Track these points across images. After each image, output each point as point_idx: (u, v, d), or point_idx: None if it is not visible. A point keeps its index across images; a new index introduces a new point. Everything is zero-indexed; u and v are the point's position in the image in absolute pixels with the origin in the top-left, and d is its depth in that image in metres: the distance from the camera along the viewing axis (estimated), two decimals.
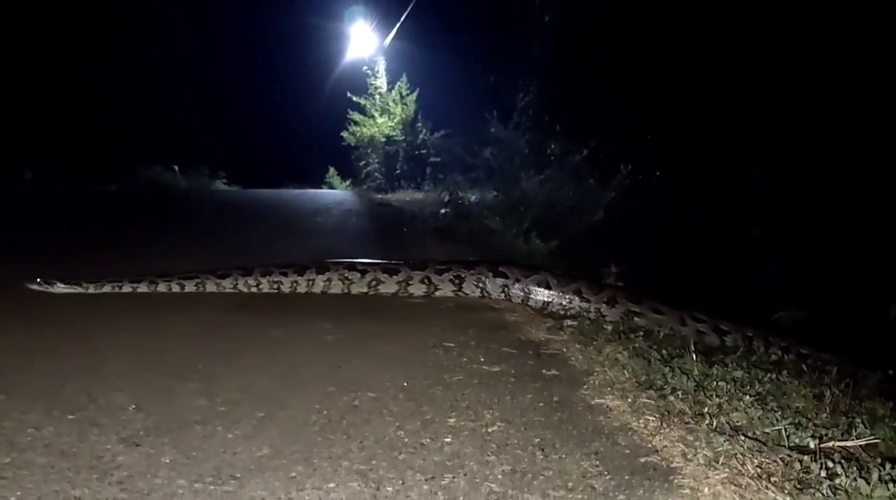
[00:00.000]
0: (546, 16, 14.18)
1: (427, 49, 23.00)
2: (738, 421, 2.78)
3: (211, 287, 5.36)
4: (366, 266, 5.54)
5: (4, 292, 5.03)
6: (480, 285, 5.41)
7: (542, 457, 2.46)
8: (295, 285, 5.44)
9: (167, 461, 2.34)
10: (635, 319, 5.08)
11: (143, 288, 5.26)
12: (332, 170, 29.15)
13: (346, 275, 5.46)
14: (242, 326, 4.40)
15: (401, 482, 2.24)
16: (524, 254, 7.40)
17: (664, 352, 3.84)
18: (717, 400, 3.03)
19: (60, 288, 5.13)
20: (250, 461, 2.35)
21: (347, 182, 27.88)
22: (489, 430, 2.70)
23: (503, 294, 5.37)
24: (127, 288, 5.24)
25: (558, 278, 5.38)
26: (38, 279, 5.11)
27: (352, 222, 12.80)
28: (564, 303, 5.22)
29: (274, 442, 2.52)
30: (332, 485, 2.20)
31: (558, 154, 11.05)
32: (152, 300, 5.13)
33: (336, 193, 24.63)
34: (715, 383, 3.33)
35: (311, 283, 5.46)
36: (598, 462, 2.43)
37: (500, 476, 2.30)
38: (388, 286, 5.45)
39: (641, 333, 4.26)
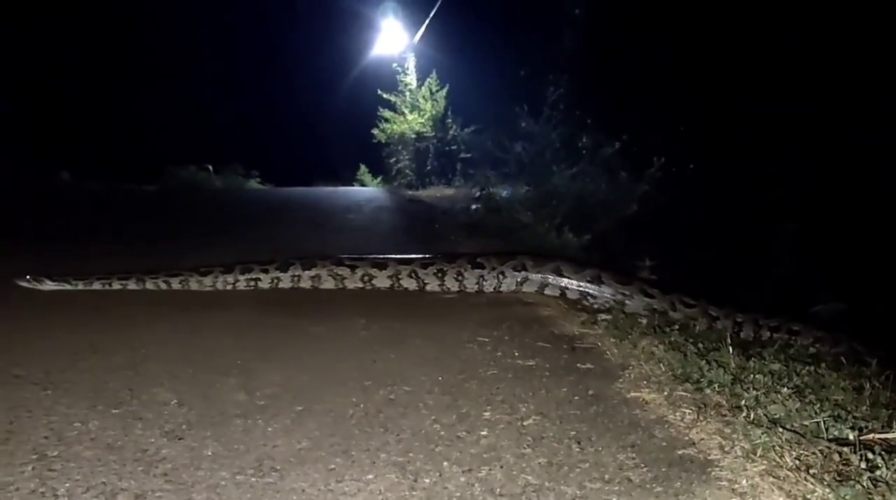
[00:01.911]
0: (577, 8, 14.11)
1: (456, 45, 22.99)
2: (775, 414, 2.76)
3: (194, 285, 5.39)
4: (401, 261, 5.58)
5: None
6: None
7: (578, 450, 2.47)
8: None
9: (209, 453, 2.39)
10: (625, 302, 5.17)
11: (132, 285, 5.28)
12: (362, 167, 29.27)
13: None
14: (278, 323, 4.45)
15: (438, 474, 2.26)
16: (556, 248, 7.37)
17: (700, 345, 3.81)
18: (755, 393, 3.00)
19: (49, 285, 5.15)
20: (290, 454, 2.40)
21: (378, 179, 27.96)
22: (525, 423, 2.72)
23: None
24: (116, 285, 5.27)
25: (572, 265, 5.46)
26: (28, 276, 5.13)
27: (384, 219, 12.84)
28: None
29: (313, 435, 2.57)
30: (370, 477, 2.24)
31: (589, 147, 10.98)
32: (189, 298, 5.22)
33: (367, 191, 24.73)
34: (752, 375, 3.29)
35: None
36: (634, 455, 2.44)
37: (536, 469, 2.31)
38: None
39: (677, 326, 4.23)
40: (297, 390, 3.07)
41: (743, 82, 12.50)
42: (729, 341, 3.75)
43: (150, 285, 5.31)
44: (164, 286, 5.34)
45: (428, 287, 5.45)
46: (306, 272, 5.51)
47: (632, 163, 10.14)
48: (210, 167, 24.63)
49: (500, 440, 2.54)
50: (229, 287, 5.42)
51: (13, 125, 17.33)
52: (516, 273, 5.43)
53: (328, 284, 5.51)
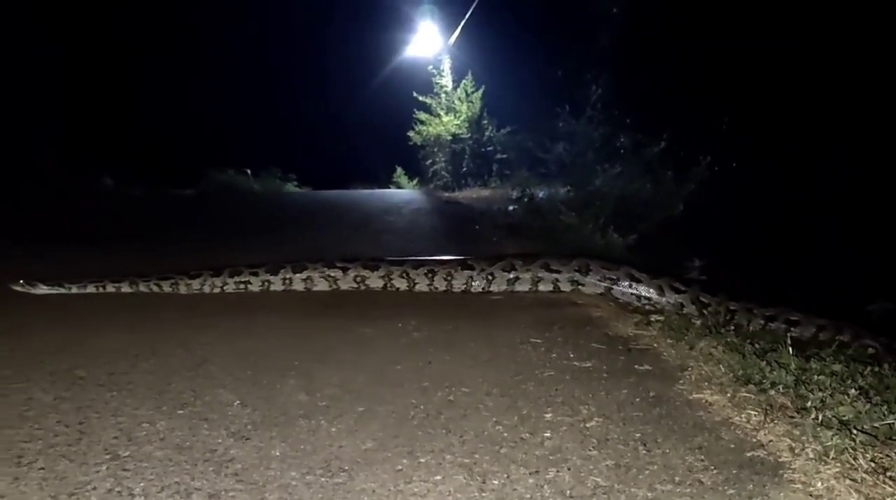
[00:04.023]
0: (614, 7, 13.98)
1: (492, 46, 22.96)
2: (844, 415, 2.70)
3: (182, 288, 5.43)
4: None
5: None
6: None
7: (644, 452, 2.45)
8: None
9: (277, 453, 2.42)
10: (612, 287, 5.28)
11: (125, 288, 5.36)
12: (399, 170, 29.42)
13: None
14: (327, 325, 4.48)
15: (506, 475, 2.26)
16: (600, 249, 7.32)
17: (757, 346, 3.75)
18: (820, 395, 2.94)
19: (42, 289, 5.22)
20: (356, 455, 2.41)
21: (414, 181, 28.08)
22: (588, 425, 2.70)
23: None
24: (110, 288, 5.34)
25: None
26: (21, 281, 5.21)
27: (423, 221, 12.88)
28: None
29: (377, 436, 2.58)
30: (438, 478, 2.24)
31: (628, 147, 10.88)
32: (232, 302, 5.29)
33: (404, 193, 24.84)
34: (815, 377, 3.23)
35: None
36: (702, 457, 2.41)
37: (604, 471, 2.30)
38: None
39: (732, 327, 4.17)
40: (357, 392, 3.09)
41: (785, 73, 12.27)
42: (788, 342, 3.68)
43: (142, 288, 5.38)
44: (155, 289, 5.39)
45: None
46: (297, 275, 5.55)
47: (674, 162, 10.02)
48: (248, 171, 24.96)
49: (565, 442, 2.53)
50: (217, 290, 5.47)
51: (59, 132, 17.74)
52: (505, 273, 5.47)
53: (322, 285, 5.56)
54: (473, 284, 5.43)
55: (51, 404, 2.90)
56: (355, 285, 5.54)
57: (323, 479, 2.22)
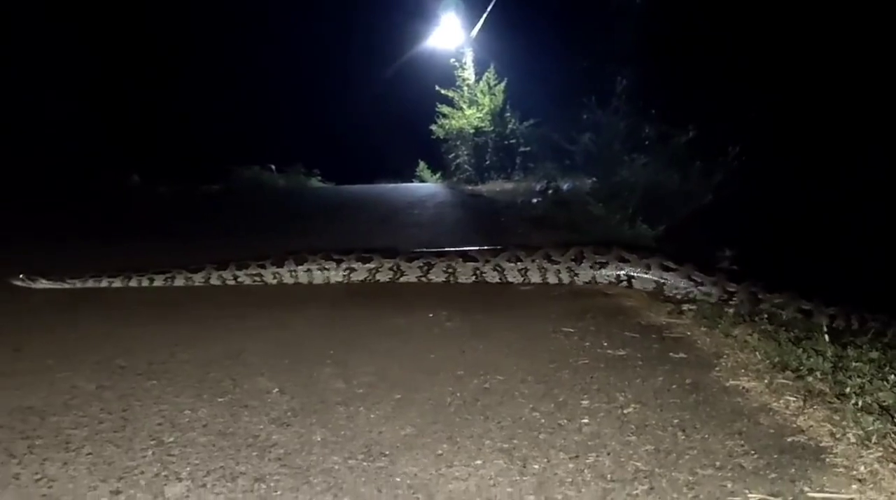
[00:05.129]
0: None
1: (514, 38, 22.86)
2: (884, 401, 2.68)
3: (180, 281, 5.43)
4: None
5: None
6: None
7: (683, 437, 2.45)
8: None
9: (318, 439, 2.45)
10: (601, 271, 5.30)
11: (117, 283, 5.35)
12: (421, 164, 29.50)
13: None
14: (359, 315, 4.52)
15: (546, 460, 2.27)
16: (629, 240, 7.28)
17: (792, 334, 3.73)
18: (859, 381, 2.92)
19: (43, 284, 5.21)
20: (396, 440, 2.44)
21: (437, 175, 28.15)
22: (625, 411, 2.70)
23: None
24: (104, 283, 5.33)
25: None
26: (21, 275, 5.20)
27: (447, 214, 12.91)
28: None
29: (415, 422, 2.60)
30: (478, 462, 2.26)
31: (653, 138, 10.81)
32: (266, 295, 5.36)
33: (427, 187, 24.90)
34: (852, 363, 3.21)
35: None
36: (742, 442, 2.40)
37: (644, 455, 2.30)
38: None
39: (766, 315, 4.14)
40: (393, 380, 3.11)
41: (816, 63, 12.11)
42: (825, 329, 3.66)
43: (133, 283, 5.38)
44: (146, 283, 5.39)
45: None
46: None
47: (701, 152, 9.94)
48: (273, 167, 25.17)
49: (603, 428, 2.53)
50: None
51: (88, 130, 18.01)
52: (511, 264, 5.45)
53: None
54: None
55: (94, 393, 2.96)
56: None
57: (365, 463, 2.25)
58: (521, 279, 5.40)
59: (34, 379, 3.13)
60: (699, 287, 4.99)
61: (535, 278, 5.40)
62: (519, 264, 5.41)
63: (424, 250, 5.81)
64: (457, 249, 5.71)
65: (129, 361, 3.42)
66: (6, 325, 4.20)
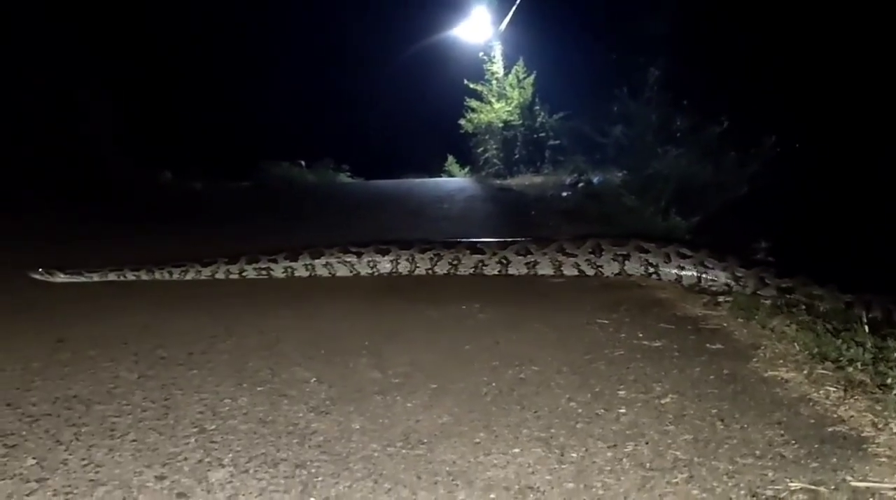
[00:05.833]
0: None
1: (543, 31, 22.77)
2: None
3: (191, 274, 5.46)
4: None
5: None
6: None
7: (722, 427, 2.43)
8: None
9: (357, 427, 2.47)
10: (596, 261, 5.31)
11: (144, 276, 5.40)
12: (450, 158, 29.47)
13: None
14: (394, 307, 4.54)
15: (584, 448, 2.27)
16: (662, 232, 7.22)
17: (830, 325, 3.68)
18: None
19: (61, 277, 5.24)
20: (434, 428, 2.45)
21: (466, 169, 28.10)
22: (662, 402, 2.69)
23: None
24: (131, 276, 5.39)
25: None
26: (40, 269, 5.24)
27: (477, 207, 12.91)
28: None
29: (452, 411, 2.62)
30: (516, 450, 2.27)
31: (684, 130, 10.70)
32: (305, 285, 5.41)
33: (456, 181, 24.88)
34: (893, 354, 3.16)
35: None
36: (782, 432, 2.38)
37: (682, 445, 2.29)
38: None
39: (804, 306, 4.09)
40: (428, 370, 3.13)
41: (848, 52, 11.90)
42: (864, 320, 3.60)
43: (157, 276, 5.43)
44: (167, 276, 5.43)
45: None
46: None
47: (734, 143, 9.81)
48: (302, 163, 25.37)
49: (640, 418, 2.53)
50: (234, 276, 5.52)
51: (122, 127, 18.28)
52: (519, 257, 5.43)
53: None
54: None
55: (136, 382, 3.02)
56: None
57: (404, 451, 2.27)
58: (551, 272, 5.39)
59: (77, 369, 3.20)
60: (708, 271, 4.97)
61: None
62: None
63: (460, 239, 5.84)
64: (498, 238, 5.75)
65: (168, 351, 3.49)
66: (48, 317, 4.31)
